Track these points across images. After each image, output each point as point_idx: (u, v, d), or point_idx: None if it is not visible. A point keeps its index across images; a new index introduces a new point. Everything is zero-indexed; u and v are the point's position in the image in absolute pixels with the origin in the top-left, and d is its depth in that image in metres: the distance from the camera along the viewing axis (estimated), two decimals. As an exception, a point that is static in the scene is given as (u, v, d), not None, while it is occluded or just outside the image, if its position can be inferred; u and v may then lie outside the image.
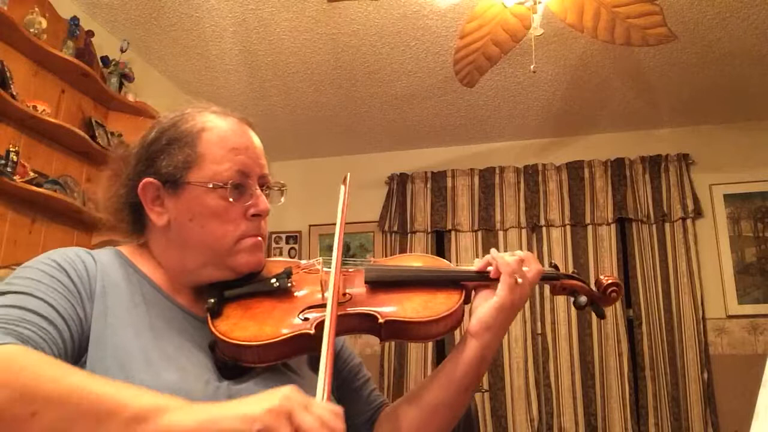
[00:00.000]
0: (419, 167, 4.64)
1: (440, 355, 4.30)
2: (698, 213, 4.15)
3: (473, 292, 0.96)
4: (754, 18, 3.04)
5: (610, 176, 4.32)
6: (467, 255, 4.38)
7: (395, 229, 4.54)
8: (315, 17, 3.08)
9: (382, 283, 0.93)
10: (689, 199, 4.15)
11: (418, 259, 1.04)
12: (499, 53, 2.75)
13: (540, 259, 4.24)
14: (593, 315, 1.09)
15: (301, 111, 4.10)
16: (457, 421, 0.95)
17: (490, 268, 0.95)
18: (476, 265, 0.96)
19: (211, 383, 0.81)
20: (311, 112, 4.13)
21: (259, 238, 0.92)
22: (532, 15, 2.40)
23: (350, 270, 0.96)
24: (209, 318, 0.85)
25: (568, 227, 4.29)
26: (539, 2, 2.35)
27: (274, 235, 4.77)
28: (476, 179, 4.51)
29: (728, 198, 4.16)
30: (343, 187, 0.96)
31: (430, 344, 4.20)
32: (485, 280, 0.95)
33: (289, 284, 0.90)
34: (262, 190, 0.93)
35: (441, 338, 0.99)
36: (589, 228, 4.27)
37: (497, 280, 0.93)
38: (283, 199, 0.99)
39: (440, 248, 4.53)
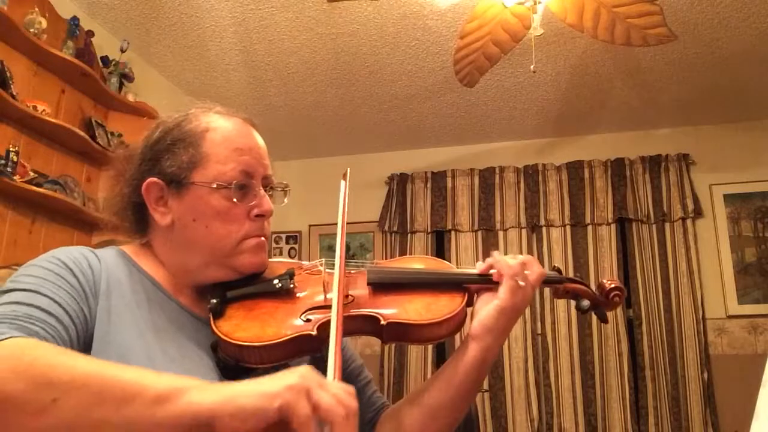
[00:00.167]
0: (419, 167, 4.64)
1: (440, 356, 4.30)
2: (698, 213, 4.15)
3: (476, 295, 0.96)
4: (754, 18, 3.04)
5: (610, 176, 4.32)
6: (467, 255, 4.38)
7: (395, 229, 4.54)
8: (315, 17, 3.08)
9: (384, 285, 0.93)
10: (689, 199, 4.15)
11: (420, 262, 1.03)
12: (499, 53, 2.75)
13: (540, 259, 4.26)
14: (594, 316, 1.09)
15: (301, 111, 4.10)
16: (458, 423, 0.95)
17: (492, 271, 0.94)
18: (479, 267, 0.96)
19: None
20: (311, 112, 4.13)
21: (263, 239, 0.93)
22: (532, 15, 2.40)
23: (352, 272, 0.96)
24: (211, 318, 0.85)
25: (568, 227, 4.29)
26: (539, 2, 2.35)
27: (274, 235, 4.77)
28: (476, 179, 4.51)
29: (728, 198, 4.16)
30: (343, 182, 0.96)
31: (430, 345, 4.20)
32: (488, 282, 0.94)
33: (292, 285, 0.90)
34: (265, 191, 0.93)
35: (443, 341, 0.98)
36: (589, 228, 4.27)
37: (499, 283, 0.93)
38: (286, 200, 1.00)
39: (440, 248, 4.53)
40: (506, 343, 4.12)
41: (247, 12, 3.04)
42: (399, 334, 0.89)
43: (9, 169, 2.34)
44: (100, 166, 2.96)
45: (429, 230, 4.51)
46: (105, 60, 3.03)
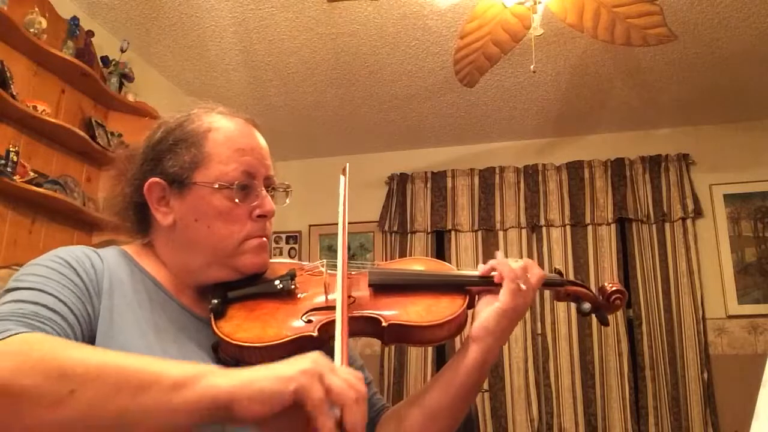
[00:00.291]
0: (419, 167, 4.64)
1: (440, 356, 4.30)
2: (698, 213, 4.15)
3: (477, 297, 0.96)
4: (754, 18, 3.04)
5: (610, 176, 4.32)
6: (467, 255, 4.38)
7: (395, 229, 4.54)
8: (315, 17, 3.08)
9: (385, 287, 0.93)
10: (689, 199, 4.15)
11: (421, 263, 1.03)
12: (499, 53, 2.75)
13: (540, 259, 4.27)
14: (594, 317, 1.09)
15: (301, 111, 4.10)
16: (458, 424, 0.96)
17: (494, 273, 0.94)
18: (480, 269, 0.96)
19: None
20: (311, 112, 4.13)
21: (264, 239, 0.93)
22: (532, 15, 2.40)
23: (353, 273, 0.96)
24: (212, 318, 0.85)
25: (568, 227, 4.29)
26: (539, 2, 2.35)
27: (274, 235, 4.77)
28: (476, 179, 4.51)
29: (728, 198, 4.16)
30: (342, 177, 0.96)
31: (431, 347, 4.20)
32: (489, 285, 0.94)
33: (293, 286, 0.90)
34: (267, 191, 0.93)
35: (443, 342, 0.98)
36: (589, 228, 4.27)
37: (500, 285, 0.93)
38: (288, 200, 1.00)
39: (440, 248, 4.53)
40: (506, 343, 4.11)
41: (247, 12, 3.04)
42: (400, 335, 0.89)
43: (9, 169, 2.34)
44: (100, 166, 2.96)
45: (429, 230, 4.51)
46: (105, 60, 3.03)
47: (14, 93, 2.40)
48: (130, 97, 3.09)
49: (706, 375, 3.87)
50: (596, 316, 1.05)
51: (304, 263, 1.01)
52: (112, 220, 0.97)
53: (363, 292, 0.92)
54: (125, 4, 3.01)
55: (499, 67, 3.39)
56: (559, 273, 1.05)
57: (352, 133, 4.46)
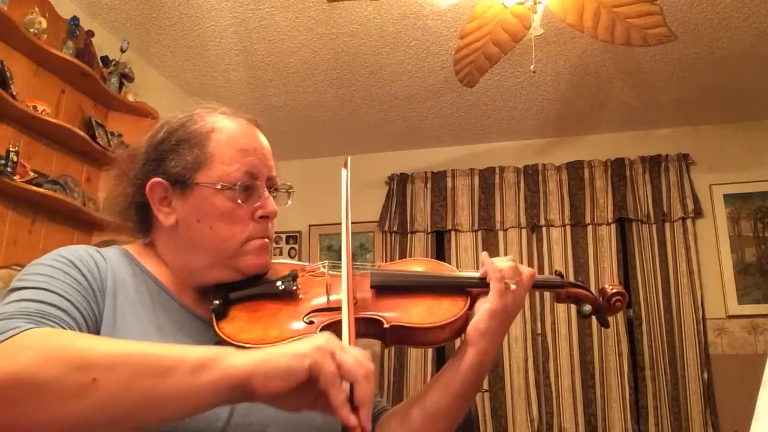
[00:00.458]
0: (419, 167, 4.64)
1: (440, 356, 4.30)
2: (698, 213, 4.15)
3: (478, 299, 0.95)
4: (754, 18, 3.04)
5: (610, 176, 4.32)
6: (467, 255, 4.38)
7: (395, 229, 4.54)
8: (315, 17, 3.08)
9: (387, 288, 0.93)
10: (689, 199, 4.15)
11: (421, 264, 1.03)
12: (499, 53, 2.75)
13: (540, 259, 4.27)
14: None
15: (301, 111, 4.10)
16: (457, 425, 0.96)
17: None
18: (480, 271, 0.96)
19: None
20: (311, 112, 4.13)
21: (266, 240, 0.93)
22: (532, 15, 2.40)
23: (356, 274, 0.96)
24: (214, 319, 0.85)
25: (568, 227, 4.29)
26: (539, 2, 2.35)
27: (274, 235, 4.76)
28: (476, 179, 4.51)
29: (728, 198, 4.16)
30: (344, 170, 0.96)
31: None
32: (486, 286, 0.94)
33: (295, 287, 0.90)
34: (269, 192, 0.93)
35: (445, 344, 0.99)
36: (589, 228, 4.27)
37: None
38: (290, 201, 1.00)
39: (440, 248, 4.53)
40: (506, 343, 4.12)
41: (247, 12, 3.04)
42: (402, 337, 0.89)
43: (9, 169, 2.34)
44: (100, 166, 2.96)
45: (429, 230, 4.51)
46: (105, 60, 3.03)
47: (14, 93, 2.40)
48: (130, 97, 3.09)
49: (706, 375, 3.87)
50: (597, 317, 1.05)
51: (305, 264, 1.01)
52: (114, 219, 0.97)
53: (365, 293, 0.92)
54: (125, 4, 3.01)
55: (499, 67, 3.39)
56: (560, 275, 1.05)
57: (352, 133, 4.45)
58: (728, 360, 3.93)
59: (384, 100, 3.96)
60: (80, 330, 0.76)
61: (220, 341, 0.83)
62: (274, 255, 4.62)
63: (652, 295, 4.08)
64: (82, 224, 2.82)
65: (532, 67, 2.59)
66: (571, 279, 1.08)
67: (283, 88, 3.81)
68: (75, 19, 2.81)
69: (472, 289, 0.95)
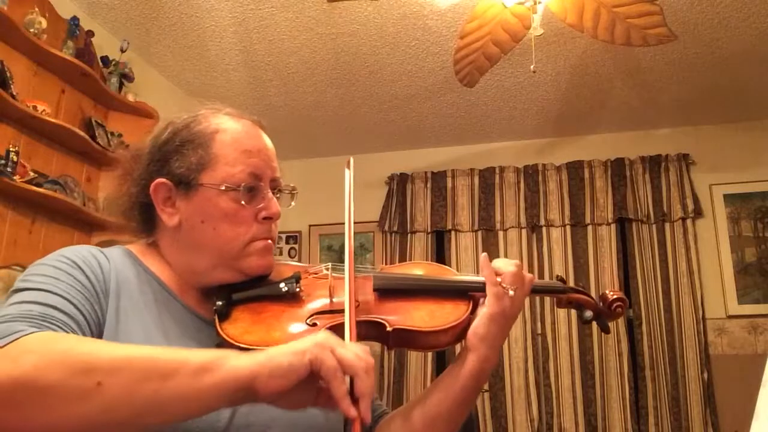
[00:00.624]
0: (419, 167, 4.64)
1: (440, 356, 4.30)
2: (698, 213, 4.15)
3: (480, 303, 0.95)
4: (754, 18, 3.04)
5: (610, 176, 4.32)
6: (467, 255, 4.38)
7: (395, 229, 4.54)
8: (315, 17, 3.08)
9: (390, 291, 0.93)
10: (689, 199, 4.15)
11: (424, 268, 1.03)
12: (499, 53, 2.75)
13: (540, 259, 4.27)
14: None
15: (301, 111, 4.10)
16: (458, 429, 0.96)
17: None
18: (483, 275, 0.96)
19: None
20: (311, 112, 4.13)
21: (270, 242, 0.93)
22: (532, 15, 2.40)
23: (358, 276, 0.95)
24: (216, 320, 0.85)
25: (568, 227, 4.29)
26: (539, 2, 2.35)
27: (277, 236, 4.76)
28: (476, 179, 4.51)
29: (728, 198, 4.16)
30: (347, 171, 0.96)
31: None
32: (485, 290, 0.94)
33: (298, 289, 0.90)
34: (273, 193, 0.93)
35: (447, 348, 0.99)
36: (589, 228, 4.27)
37: None
38: (293, 203, 1.00)
39: (440, 248, 4.53)
40: (506, 343, 4.12)
41: (247, 12, 3.04)
42: (404, 340, 0.89)
43: (9, 169, 2.34)
44: (100, 166, 2.96)
45: (429, 230, 4.51)
46: (105, 60, 3.03)
47: (14, 93, 2.40)
48: (130, 97, 3.09)
49: (706, 375, 3.87)
50: (597, 323, 1.06)
51: (308, 265, 1.01)
52: (117, 219, 0.97)
53: (368, 296, 0.92)
54: (125, 4, 3.01)
55: (499, 67, 3.39)
56: (561, 280, 1.06)
57: (352, 133, 4.46)
58: (728, 360, 3.93)
59: (384, 100, 3.96)
60: (82, 331, 0.76)
61: (223, 342, 0.83)
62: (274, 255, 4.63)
63: (652, 295, 4.08)
64: (82, 224, 2.82)
65: (532, 67, 2.59)
66: (572, 280, 1.08)
67: (283, 88, 3.81)
68: (75, 19, 2.81)
69: (474, 293, 0.95)
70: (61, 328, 0.72)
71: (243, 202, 0.89)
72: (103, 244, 0.96)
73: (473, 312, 0.93)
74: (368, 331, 0.88)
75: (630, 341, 4.08)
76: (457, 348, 0.97)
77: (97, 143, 2.82)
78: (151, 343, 0.81)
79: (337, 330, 0.81)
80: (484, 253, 0.99)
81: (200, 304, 0.91)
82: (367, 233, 4.64)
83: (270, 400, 0.66)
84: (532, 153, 4.51)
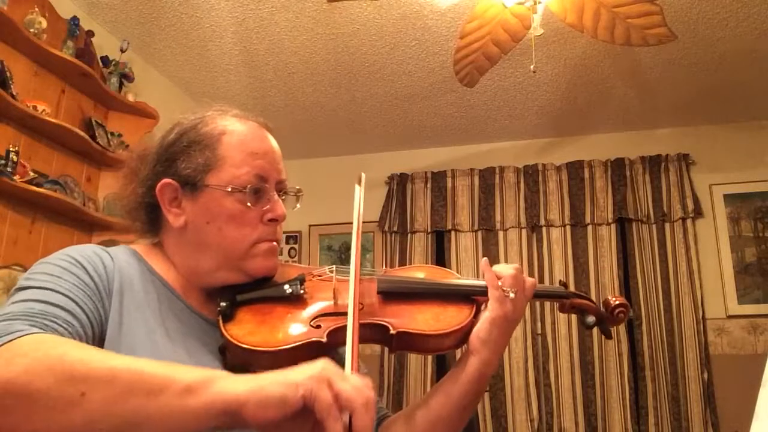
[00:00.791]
0: (419, 167, 4.64)
1: (440, 357, 4.30)
2: (698, 213, 4.15)
3: (483, 307, 0.96)
4: (754, 18, 3.04)
5: (610, 176, 4.32)
6: (467, 255, 4.38)
7: (395, 229, 4.54)
8: (315, 17, 3.08)
9: (394, 294, 0.93)
10: (689, 199, 4.15)
11: (427, 271, 1.04)
12: (499, 53, 2.75)
13: (540, 259, 4.27)
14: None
15: (301, 111, 4.10)
16: None
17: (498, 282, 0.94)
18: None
19: None
20: (311, 112, 4.13)
21: (275, 243, 0.93)
22: (532, 15, 2.40)
23: (362, 279, 0.95)
24: (221, 321, 0.85)
25: (568, 227, 4.29)
26: (539, 2, 2.35)
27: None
28: (476, 179, 4.51)
29: (728, 198, 4.16)
30: (358, 187, 0.97)
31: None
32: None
33: (302, 291, 0.90)
34: (279, 196, 0.94)
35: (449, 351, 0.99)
36: (589, 228, 4.27)
37: None
38: (299, 205, 1.00)
39: (440, 248, 4.52)
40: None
41: (247, 12, 3.04)
42: (407, 343, 0.89)
43: (9, 169, 2.33)
44: (100, 166, 2.96)
45: (429, 230, 4.51)
46: (105, 60, 3.03)
47: (14, 93, 2.40)
48: (130, 97, 3.09)
49: (706, 375, 3.87)
50: (600, 328, 1.07)
51: (312, 268, 1.01)
52: (122, 219, 0.97)
53: (372, 298, 0.92)
54: (125, 4, 3.01)
55: (499, 67, 3.39)
56: (564, 285, 1.06)
57: (352, 133, 4.45)
58: (728, 360, 3.93)
59: (384, 100, 3.96)
60: (85, 330, 0.75)
61: (227, 343, 0.83)
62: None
63: (652, 295, 4.08)
64: (82, 224, 2.82)
65: (532, 67, 2.59)
66: (572, 280, 1.08)
67: (283, 88, 3.81)
68: (75, 19, 2.81)
69: (478, 297, 0.95)
70: (62, 326, 0.72)
71: (249, 204, 0.89)
72: (103, 244, 0.96)
73: (476, 316, 0.93)
74: (372, 333, 0.88)
75: (630, 341, 4.08)
76: (458, 352, 0.97)
77: (97, 143, 2.82)
78: (154, 344, 0.81)
79: (341, 332, 0.81)
80: (485, 258, 0.99)
81: (204, 304, 0.91)
82: (367, 233, 4.64)
83: (260, 429, 0.62)
84: (532, 153, 4.51)
